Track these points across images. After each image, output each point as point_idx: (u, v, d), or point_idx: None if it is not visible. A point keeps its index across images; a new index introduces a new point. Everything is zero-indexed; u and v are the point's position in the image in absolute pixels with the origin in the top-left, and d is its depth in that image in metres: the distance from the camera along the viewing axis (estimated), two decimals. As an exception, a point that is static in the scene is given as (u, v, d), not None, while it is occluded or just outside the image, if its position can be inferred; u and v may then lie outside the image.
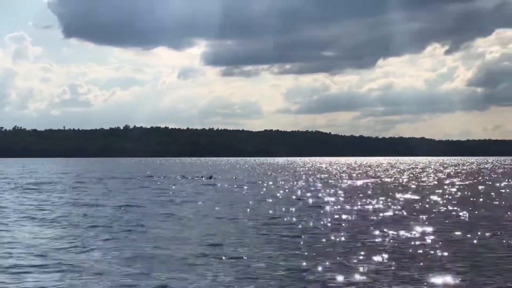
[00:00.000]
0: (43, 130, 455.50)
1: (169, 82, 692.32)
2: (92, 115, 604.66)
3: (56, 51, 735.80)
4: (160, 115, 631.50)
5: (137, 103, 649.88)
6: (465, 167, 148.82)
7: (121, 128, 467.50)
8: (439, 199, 50.05)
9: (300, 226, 32.30)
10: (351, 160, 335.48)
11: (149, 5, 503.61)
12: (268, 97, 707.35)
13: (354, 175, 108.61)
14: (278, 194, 56.31)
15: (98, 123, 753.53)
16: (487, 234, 28.96)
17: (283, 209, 41.83)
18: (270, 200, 49.29)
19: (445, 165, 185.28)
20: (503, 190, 62.14)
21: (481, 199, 49.88)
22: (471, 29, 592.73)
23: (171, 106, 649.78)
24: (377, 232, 29.45)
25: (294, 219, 35.72)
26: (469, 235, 28.46)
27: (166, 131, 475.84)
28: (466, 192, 58.85)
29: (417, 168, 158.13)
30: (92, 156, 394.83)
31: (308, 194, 55.92)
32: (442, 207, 42.44)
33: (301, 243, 26.53)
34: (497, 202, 47.04)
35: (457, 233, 29.45)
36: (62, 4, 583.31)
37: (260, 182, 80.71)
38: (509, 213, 38.75)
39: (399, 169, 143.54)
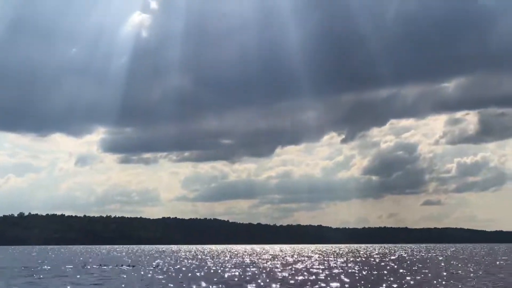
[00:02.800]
0: None
1: (66, 169, 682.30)
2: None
3: None
4: (56, 202, 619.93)
5: (33, 190, 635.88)
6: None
7: (15, 215, 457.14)
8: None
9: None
10: (239, 248, 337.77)
11: (45, 91, 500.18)
12: (167, 185, 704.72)
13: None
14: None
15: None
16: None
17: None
18: None
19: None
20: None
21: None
22: (366, 118, 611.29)
23: (68, 193, 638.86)
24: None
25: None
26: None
27: (62, 218, 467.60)
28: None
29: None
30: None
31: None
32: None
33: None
34: None
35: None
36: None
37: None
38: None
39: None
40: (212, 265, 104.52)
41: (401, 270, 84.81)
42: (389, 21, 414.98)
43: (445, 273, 77.05)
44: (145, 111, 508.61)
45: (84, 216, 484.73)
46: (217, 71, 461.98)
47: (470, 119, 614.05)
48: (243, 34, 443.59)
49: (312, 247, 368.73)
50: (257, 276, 70.85)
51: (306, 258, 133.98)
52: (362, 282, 61.28)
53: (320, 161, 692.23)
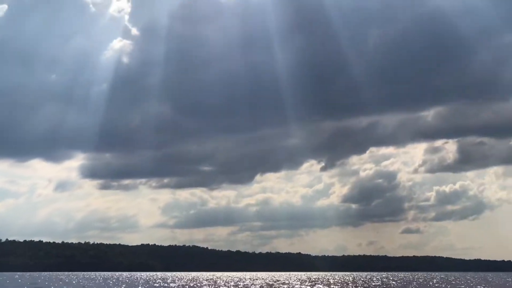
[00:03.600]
0: None
1: (45, 194, 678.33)
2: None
3: None
4: (34, 228, 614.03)
5: (11, 216, 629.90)
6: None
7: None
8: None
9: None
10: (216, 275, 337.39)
11: (24, 116, 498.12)
12: (146, 211, 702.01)
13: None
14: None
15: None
16: None
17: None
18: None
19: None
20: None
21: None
22: (346, 146, 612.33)
23: (47, 219, 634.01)
24: None
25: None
26: None
27: (40, 244, 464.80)
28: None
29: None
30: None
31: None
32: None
33: None
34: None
35: None
36: None
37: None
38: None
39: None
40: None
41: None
42: (370, 51, 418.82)
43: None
44: (125, 137, 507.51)
45: (62, 242, 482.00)
46: (198, 98, 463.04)
47: (449, 148, 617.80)
48: (224, 61, 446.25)
49: (290, 275, 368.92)
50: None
51: None
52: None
53: (300, 189, 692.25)
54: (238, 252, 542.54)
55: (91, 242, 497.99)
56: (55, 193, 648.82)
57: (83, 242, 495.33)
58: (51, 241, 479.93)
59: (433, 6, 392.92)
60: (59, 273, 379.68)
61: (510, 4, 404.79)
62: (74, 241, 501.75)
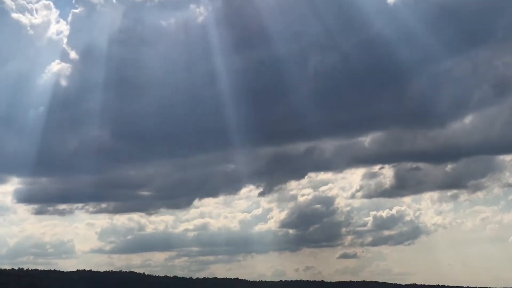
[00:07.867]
0: None
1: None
2: None
3: None
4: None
5: None
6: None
7: None
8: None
9: None
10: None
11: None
12: (82, 236, 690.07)
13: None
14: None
15: None
16: None
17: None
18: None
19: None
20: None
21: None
22: (284, 172, 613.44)
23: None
24: None
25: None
26: None
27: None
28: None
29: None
30: None
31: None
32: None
33: None
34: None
35: None
36: None
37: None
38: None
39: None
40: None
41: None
42: (309, 76, 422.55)
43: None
44: (62, 162, 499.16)
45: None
46: (136, 122, 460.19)
47: (386, 173, 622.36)
48: (164, 86, 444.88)
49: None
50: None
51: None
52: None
53: (238, 214, 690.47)
54: (175, 277, 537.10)
55: (26, 268, 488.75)
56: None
57: (17, 268, 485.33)
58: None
59: (373, 33, 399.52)
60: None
61: (447, 32, 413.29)
62: (8, 267, 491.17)
